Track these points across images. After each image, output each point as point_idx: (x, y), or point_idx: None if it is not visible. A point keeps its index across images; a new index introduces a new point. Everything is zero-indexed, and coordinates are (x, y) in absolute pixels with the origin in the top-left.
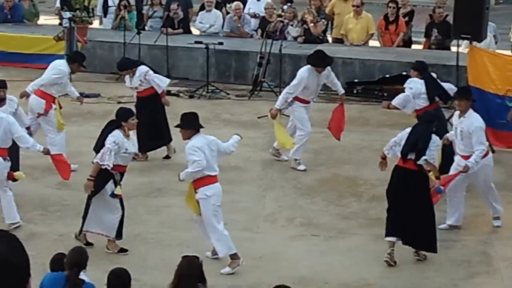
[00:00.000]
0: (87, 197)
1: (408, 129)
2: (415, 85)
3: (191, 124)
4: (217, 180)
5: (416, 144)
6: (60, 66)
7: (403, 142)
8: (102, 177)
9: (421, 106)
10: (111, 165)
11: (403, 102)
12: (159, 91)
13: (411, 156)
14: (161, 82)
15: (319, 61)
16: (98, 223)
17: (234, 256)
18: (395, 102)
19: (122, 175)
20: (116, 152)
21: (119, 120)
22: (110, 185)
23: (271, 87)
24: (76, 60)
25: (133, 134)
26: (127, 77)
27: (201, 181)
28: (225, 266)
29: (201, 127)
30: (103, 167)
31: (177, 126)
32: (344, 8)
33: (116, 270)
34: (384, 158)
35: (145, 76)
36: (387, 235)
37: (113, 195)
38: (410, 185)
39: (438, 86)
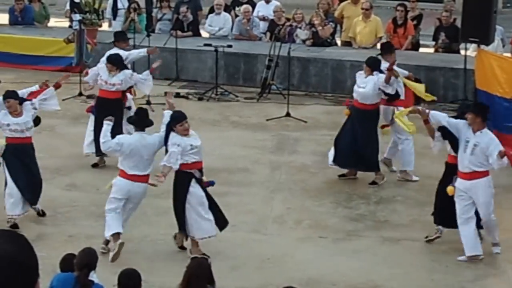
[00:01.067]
0: (176, 203)
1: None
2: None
3: (141, 123)
4: (134, 179)
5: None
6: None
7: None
8: (182, 180)
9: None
10: (177, 166)
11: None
12: (129, 95)
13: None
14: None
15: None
16: (199, 228)
17: (116, 237)
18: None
19: (201, 171)
20: (182, 153)
21: (172, 123)
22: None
23: (279, 90)
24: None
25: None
26: (104, 69)
27: (120, 171)
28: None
29: (150, 125)
30: (174, 167)
31: (129, 120)
32: (353, 11)
33: (126, 271)
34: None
35: (130, 78)
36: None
37: (211, 182)
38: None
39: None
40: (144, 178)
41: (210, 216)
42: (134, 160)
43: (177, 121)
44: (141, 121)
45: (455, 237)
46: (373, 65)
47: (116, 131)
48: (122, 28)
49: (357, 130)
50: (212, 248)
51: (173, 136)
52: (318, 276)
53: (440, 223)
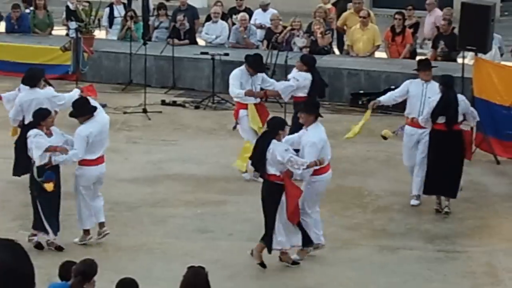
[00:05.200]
0: (267, 212)
1: (433, 99)
2: (302, 78)
3: (83, 111)
4: (98, 162)
5: (447, 110)
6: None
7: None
8: (276, 191)
9: (298, 95)
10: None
11: (285, 90)
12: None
13: (442, 120)
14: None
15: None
16: (288, 239)
17: (86, 232)
18: (278, 88)
19: None
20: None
21: (276, 130)
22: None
23: (276, 98)
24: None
25: None
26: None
27: (81, 161)
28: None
29: (94, 110)
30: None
31: (70, 115)
32: (357, 21)
33: (124, 280)
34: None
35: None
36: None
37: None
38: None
39: (322, 82)
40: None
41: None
42: (100, 143)
43: (284, 124)
44: (84, 109)
45: (453, 246)
46: None
47: None
48: (119, 37)
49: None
50: (209, 256)
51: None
52: (315, 285)
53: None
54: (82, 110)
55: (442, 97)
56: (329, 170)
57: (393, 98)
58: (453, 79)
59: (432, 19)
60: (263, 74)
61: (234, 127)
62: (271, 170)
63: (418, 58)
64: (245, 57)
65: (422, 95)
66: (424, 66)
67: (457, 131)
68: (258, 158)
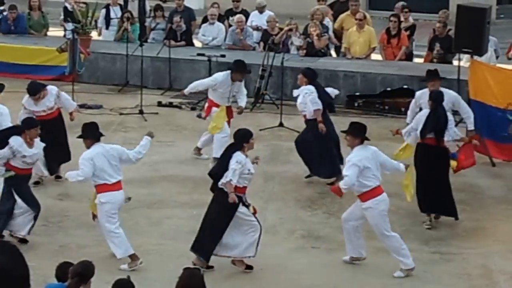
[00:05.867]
0: (219, 221)
1: (422, 113)
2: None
3: (90, 134)
4: (117, 188)
5: (436, 125)
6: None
7: (420, 126)
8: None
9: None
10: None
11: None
12: (72, 108)
13: (430, 135)
14: (71, 101)
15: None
16: (231, 247)
17: (133, 257)
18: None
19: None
20: (239, 173)
21: (240, 142)
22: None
23: (273, 100)
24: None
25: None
26: (29, 101)
27: (100, 187)
28: (125, 263)
29: (101, 135)
30: (232, 183)
31: (79, 136)
32: (353, 23)
33: (120, 281)
34: (397, 132)
35: (58, 96)
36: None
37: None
38: (431, 159)
39: (327, 94)
40: (121, 183)
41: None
42: (106, 168)
43: (249, 136)
44: (95, 132)
45: (448, 248)
46: None
47: (61, 148)
48: (115, 38)
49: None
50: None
51: (239, 155)
52: (311, 286)
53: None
54: (88, 133)
55: (432, 113)
56: (382, 192)
57: (412, 116)
58: (442, 95)
59: None
60: (242, 84)
61: (199, 116)
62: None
63: (414, 60)
64: (230, 67)
65: None
66: (432, 76)
67: (444, 147)
68: (217, 169)
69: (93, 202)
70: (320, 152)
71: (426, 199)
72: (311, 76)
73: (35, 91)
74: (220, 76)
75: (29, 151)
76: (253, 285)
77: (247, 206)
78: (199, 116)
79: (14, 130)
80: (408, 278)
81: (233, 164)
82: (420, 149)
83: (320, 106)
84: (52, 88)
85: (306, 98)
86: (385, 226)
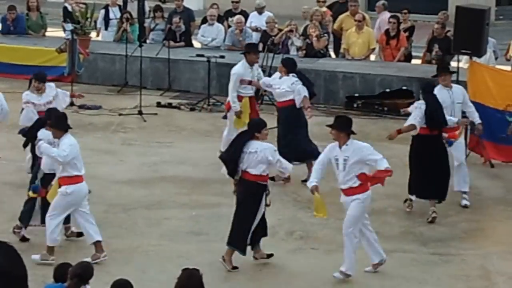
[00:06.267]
0: (246, 213)
1: (418, 105)
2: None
3: (62, 125)
4: (82, 180)
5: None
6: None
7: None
8: (257, 190)
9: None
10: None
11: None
12: (64, 106)
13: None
14: (67, 97)
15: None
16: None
17: (49, 249)
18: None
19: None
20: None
21: (253, 131)
22: None
23: (271, 101)
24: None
25: None
26: (31, 94)
27: (69, 179)
28: (38, 254)
29: (70, 128)
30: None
31: (50, 125)
32: (353, 24)
33: (119, 282)
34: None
35: (56, 92)
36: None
37: None
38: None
39: (308, 81)
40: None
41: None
42: (79, 159)
43: (262, 126)
44: (65, 123)
45: (447, 249)
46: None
47: None
48: (115, 38)
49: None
50: (204, 259)
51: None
52: (310, 287)
53: (413, 192)
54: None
55: (427, 104)
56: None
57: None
58: (431, 85)
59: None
60: (257, 66)
61: (225, 117)
62: (252, 170)
63: (413, 61)
64: (243, 53)
65: (451, 102)
66: (442, 70)
67: (439, 135)
68: (232, 156)
69: (55, 191)
70: (290, 139)
71: (418, 185)
72: (291, 66)
73: (43, 77)
74: (237, 68)
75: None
76: (251, 286)
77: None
78: (224, 117)
79: (39, 123)
80: (406, 279)
81: (271, 155)
82: (416, 140)
83: (307, 93)
84: (49, 85)
85: (295, 86)
86: (361, 219)
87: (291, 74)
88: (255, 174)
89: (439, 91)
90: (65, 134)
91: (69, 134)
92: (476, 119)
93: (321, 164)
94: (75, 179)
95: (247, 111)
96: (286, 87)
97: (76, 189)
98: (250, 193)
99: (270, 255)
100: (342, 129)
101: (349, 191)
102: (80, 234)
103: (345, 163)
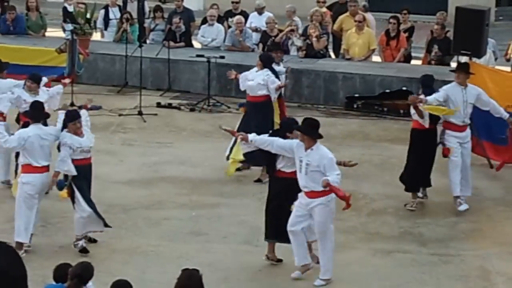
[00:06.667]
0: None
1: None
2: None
3: (35, 115)
4: (41, 171)
5: None
6: None
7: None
8: (290, 186)
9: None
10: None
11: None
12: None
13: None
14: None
15: None
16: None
17: (19, 246)
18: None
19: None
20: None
21: (284, 131)
22: None
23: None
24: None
25: None
26: (25, 93)
27: (25, 167)
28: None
29: (48, 117)
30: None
31: (24, 114)
32: (353, 24)
33: (118, 282)
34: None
35: (48, 95)
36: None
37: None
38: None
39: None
40: (47, 168)
41: None
42: (39, 151)
43: (293, 123)
44: (38, 114)
45: (446, 249)
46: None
47: None
48: (114, 39)
49: (250, 122)
50: (203, 259)
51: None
52: (309, 287)
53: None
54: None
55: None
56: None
57: (436, 99)
58: (430, 79)
59: None
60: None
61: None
62: (287, 169)
63: (413, 62)
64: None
65: (463, 101)
66: (459, 69)
67: (434, 129)
68: (269, 159)
69: (16, 182)
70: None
71: (414, 179)
72: (266, 60)
73: (37, 78)
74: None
75: (82, 141)
76: (251, 286)
77: None
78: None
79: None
80: (406, 279)
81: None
82: (415, 134)
83: (279, 82)
84: (43, 89)
85: (268, 79)
86: (330, 220)
87: (265, 69)
88: (290, 172)
89: (453, 88)
90: (33, 124)
91: (33, 125)
92: (503, 113)
93: (278, 145)
94: (30, 169)
95: (277, 112)
96: (260, 80)
97: (31, 179)
98: (286, 190)
99: (279, 260)
100: (307, 133)
101: (311, 194)
102: (93, 240)
103: (307, 167)
